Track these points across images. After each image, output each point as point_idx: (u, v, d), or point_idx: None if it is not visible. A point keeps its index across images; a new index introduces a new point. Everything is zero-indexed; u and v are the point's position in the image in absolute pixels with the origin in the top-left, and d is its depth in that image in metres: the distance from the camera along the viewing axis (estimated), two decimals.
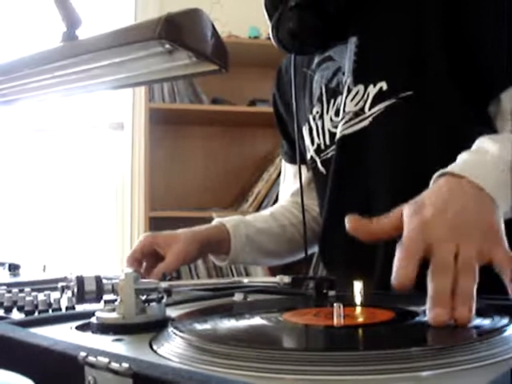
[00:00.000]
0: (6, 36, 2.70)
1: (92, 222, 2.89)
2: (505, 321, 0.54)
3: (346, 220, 0.65)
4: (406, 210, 0.65)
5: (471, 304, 0.56)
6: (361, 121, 0.99)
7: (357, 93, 0.99)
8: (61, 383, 0.49)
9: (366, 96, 0.98)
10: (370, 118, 0.98)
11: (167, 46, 0.64)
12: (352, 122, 1.00)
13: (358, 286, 0.67)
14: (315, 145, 1.11)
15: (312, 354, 0.46)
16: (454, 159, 0.78)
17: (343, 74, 1.04)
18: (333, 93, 1.07)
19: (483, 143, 0.80)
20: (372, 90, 0.97)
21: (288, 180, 1.33)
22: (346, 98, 1.01)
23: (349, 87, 1.01)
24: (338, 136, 1.03)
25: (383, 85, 0.95)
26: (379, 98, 0.96)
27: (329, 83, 1.08)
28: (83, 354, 0.45)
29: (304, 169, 1.25)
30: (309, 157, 1.14)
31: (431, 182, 0.73)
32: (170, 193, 2.89)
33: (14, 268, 1.20)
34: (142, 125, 2.66)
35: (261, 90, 2.93)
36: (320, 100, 1.09)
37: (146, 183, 2.63)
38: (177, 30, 0.61)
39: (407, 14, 0.97)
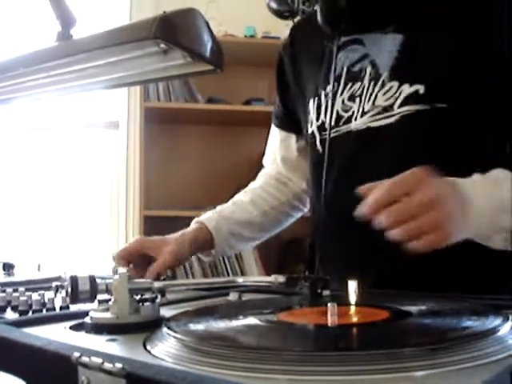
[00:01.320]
0: (1, 35, 2.69)
1: (87, 220, 2.88)
2: (498, 320, 0.54)
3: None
4: None
5: None
6: (387, 117, 0.99)
7: (390, 88, 0.99)
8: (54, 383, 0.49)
9: (398, 93, 0.97)
10: (397, 116, 0.97)
11: (162, 45, 0.64)
12: (378, 117, 1.00)
13: (352, 286, 0.67)
14: (319, 121, 1.09)
15: (305, 355, 0.46)
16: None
17: (371, 63, 1.03)
18: (352, 77, 1.05)
19: (498, 172, 0.83)
20: (406, 89, 0.97)
21: (274, 145, 1.29)
22: (379, 91, 1.00)
23: (384, 82, 1.00)
24: (361, 127, 1.02)
25: (420, 88, 0.95)
26: (413, 99, 0.96)
27: (352, 66, 1.06)
28: (77, 354, 0.45)
29: (293, 137, 1.24)
30: (310, 131, 1.12)
31: None
32: (165, 192, 2.88)
33: (8, 267, 1.20)
34: (138, 124, 2.66)
35: (256, 89, 2.93)
36: (337, 80, 1.07)
37: (141, 182, 2.63)
38: (172, 30, 0.61)
39: (457, 20, 0.97)
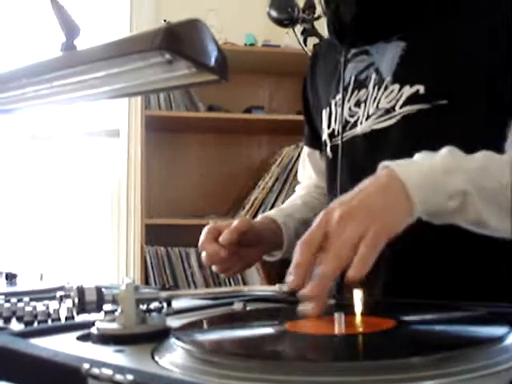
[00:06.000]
0: (4, 45, 2.70)
1: (88, 229, 2.88)
2: (505, 329, 0.54)
3: None
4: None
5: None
6: (390, 118, 1.01)
7: (392, 91, 1.01)
8: None
9: (399, 95, 1.00)
10: (398, 117, 1.00)
11: (167, 56, 0.64)
12: (382, 119, 1.03)
13: (358, 294, 0.67)
14: (330, 129, 1.13)
15: (314, 365, 0.46)
16: None
17: (375, 70, 1.06)
18: (359, 84, 1.09)
19: (441, 151, 0.81)
20: (407, 91, 0.99)
21: (308, 165, 1.34)
22: (382, 95, 1.03)
23: (386, 86, 1.02)
24: (366, 130, 1.05)
25: (421, 88, 0.97)
26: (413, 99, 0.98)
27: (359, 75, 1.10)
28: (86, 365, 0.45)
29: (317, 153, 1.27)
30: (322, 139, 1.16)
31: None
32: (166, 200, 2.88)
33: (10, 277, 1.20)
34: (138, 132, 2.66)
35: (256, 98, 2.94)
36: (345, 88, 1.11)
37: (142, 190, 2.63)
38: (177, 41, 0.61)
39: (460, 27, 0.98)
